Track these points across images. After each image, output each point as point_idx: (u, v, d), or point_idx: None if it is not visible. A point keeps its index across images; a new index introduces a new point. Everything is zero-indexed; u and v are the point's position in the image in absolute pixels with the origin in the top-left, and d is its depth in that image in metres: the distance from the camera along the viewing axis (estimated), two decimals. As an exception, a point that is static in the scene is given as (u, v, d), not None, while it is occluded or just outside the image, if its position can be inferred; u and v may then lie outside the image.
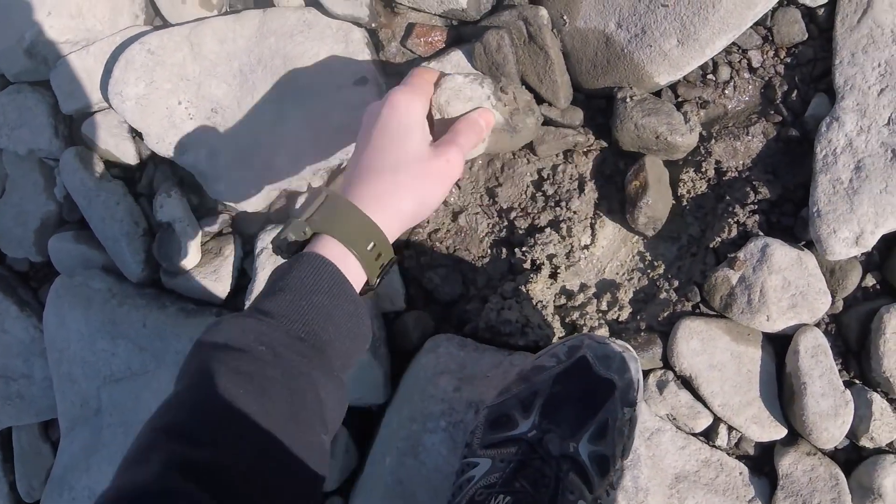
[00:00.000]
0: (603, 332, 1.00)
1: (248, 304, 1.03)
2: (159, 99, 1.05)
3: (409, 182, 0.76)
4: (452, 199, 1.06)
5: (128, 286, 1.11)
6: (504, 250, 1.05)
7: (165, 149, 1.07)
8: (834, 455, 0.97)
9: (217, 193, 1.08)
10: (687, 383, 0.98)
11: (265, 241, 1.04)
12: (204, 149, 1.06)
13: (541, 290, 1.01)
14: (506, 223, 1.06)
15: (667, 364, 0.99)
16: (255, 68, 1.04)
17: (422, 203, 0.78)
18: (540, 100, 1.02)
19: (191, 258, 1.07)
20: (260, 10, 1.05)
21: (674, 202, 1.02)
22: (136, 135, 1.11)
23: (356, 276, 0.72)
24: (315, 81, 1.03)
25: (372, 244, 0.72)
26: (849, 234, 0.91)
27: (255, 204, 1.07)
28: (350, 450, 1.03)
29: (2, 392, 1.20)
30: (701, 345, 0.96)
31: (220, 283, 1.07)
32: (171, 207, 1.07)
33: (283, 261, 0.72)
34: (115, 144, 1.11)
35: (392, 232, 0.75)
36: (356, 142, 0.81)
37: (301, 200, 1.06)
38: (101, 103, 1.11)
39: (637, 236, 1.04)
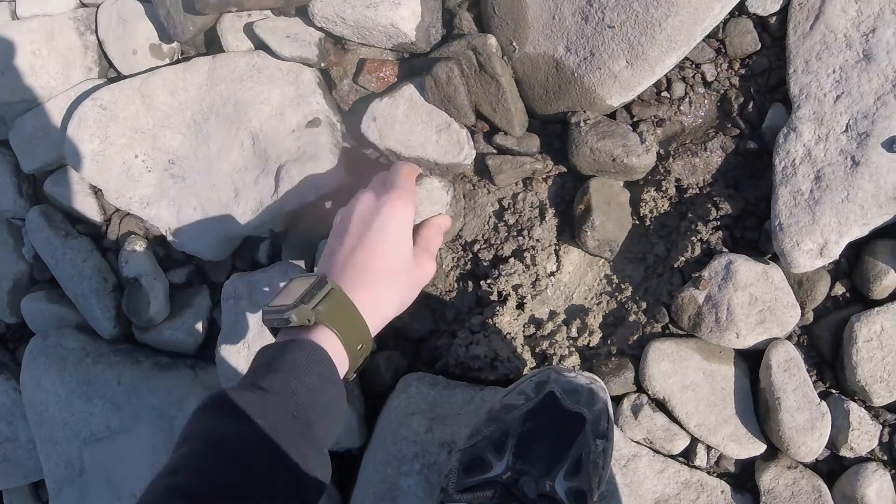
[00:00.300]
0: (573, 359, 1.00)
1: (218, 353, 1.03)
2: (115, 154, 1.05)
3: (399, 290, 0.84)
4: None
5: (101, 343, 1.12)
6: (470, 283, 1.05)
7: (126, 203, 1.07)
8: (815, 467, 0.97)
9: (181, 245, 1.08)
10: (661, 405, 0.97)
11: (230, 290, 1.04)
12: (164, 201, 1.07)
13: (508, 321, 1.01)
14: (470, 255, 1.05)
15: (640, 387, 0.98)
16: (208, 116, 1.04)
17: (401, 306, 0.85)
18: (495, 129, 1.02)
19: (160, 312, 1.08)
20: (209, 57, 1.05)
21: (635, 222, 1.01)
22: (97, 191, 1.11)
23: (342, 365, 0.77)
24: (268, 126, 1.03)
25: (362, 345, 0.78)
26: (812, 246, 0.90)
27: (218, 253, 1.08)
28: (333, 496, 1.03)
29: (-12, 456, 1.22)
30: (672, 366, 0.96)
31: (190, 335, 1.08)
32: (137, 262, 1.08)
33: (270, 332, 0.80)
34: (78, 201, 1.12)
35: (375, 331, 0.81)
36: (343, 228, 0.85)
37: (262, 251, 1.06)
38: (61, 160, 1.11)
39: (602, 259, 1.03)
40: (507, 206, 1.04)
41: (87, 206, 1.12)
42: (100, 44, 1.13)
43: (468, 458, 0.85)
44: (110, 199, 1.07)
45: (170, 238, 1.08)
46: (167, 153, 1.05)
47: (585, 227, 0.98)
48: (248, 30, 1.05)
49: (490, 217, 1.05)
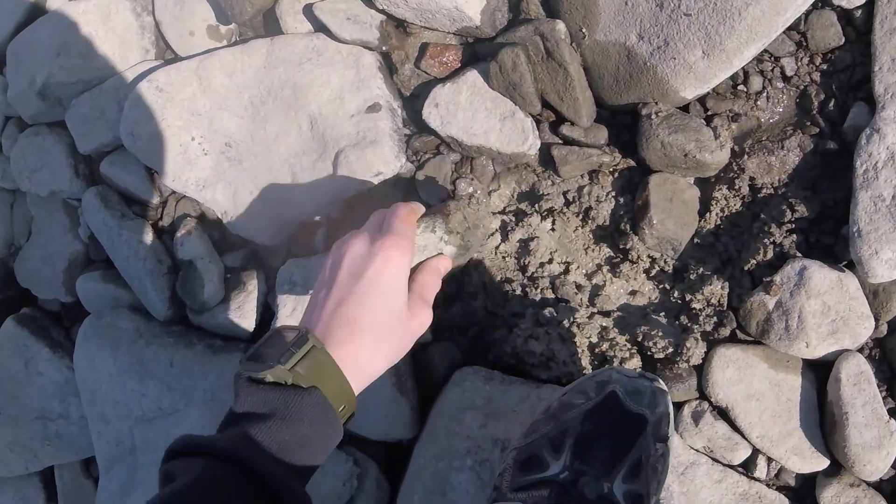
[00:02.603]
0: (634, 363, 0.99)
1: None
2: (172, 136, 1.07)
3: (389, 346, 0.79)
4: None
5: (155, 324, 1.15)
6: (533, 279, 1.05)
7: (182, 186, 1.09)
8: (879, 486, 0.95)
9: (236, 228, 1.10)
10: (724, 414, 0.96)
11: (285, 275, 1.06)
12: (221, 184, 1.08)
13: (571, 319, 1.01)
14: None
15: (702, 394, 0.98)
16: (266, 99, 1.05)
17: (390, 362, 0.81)
18: (562, 118, 1.01)
19: (214, 295, 1.10)
20: (267, 39, 1.05)
21: (702, 222, 1.00)
22: (153, 172, 1.14)
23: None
24: (327, 110, 1.04)
25: (344, 406, 0.75)
26: (892, 255, 0.88)
27: (274, 237, 1.09)
28: (382, 485, 1.05)
29: (41, 433, 1.26)
30: (737, 373, 0.95)
31: (245, 319, 1.10)
32: (192, 245, 1.10)
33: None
34: (134, 182, 1.14)
35: (359, 389, 0.78)
36: (333, 275, 0.81)
37: (319, 237, 1.07)
38: (117, 141, 1.13)
39: (670, 260, 1.02)
40: (571, 200, 1.03)
41: (143, 188, 1.14)
42: (157, 25, 1.15)
43: (524, 456, 0.85)
44: (166, 182, 1.09)
45: (225, 221, 1.10)
46: (224, 136, 1.07)
47: (643, 223, 0.97)
48: (308, 11, 1.05)
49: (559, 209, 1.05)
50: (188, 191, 1.09)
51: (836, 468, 0.95)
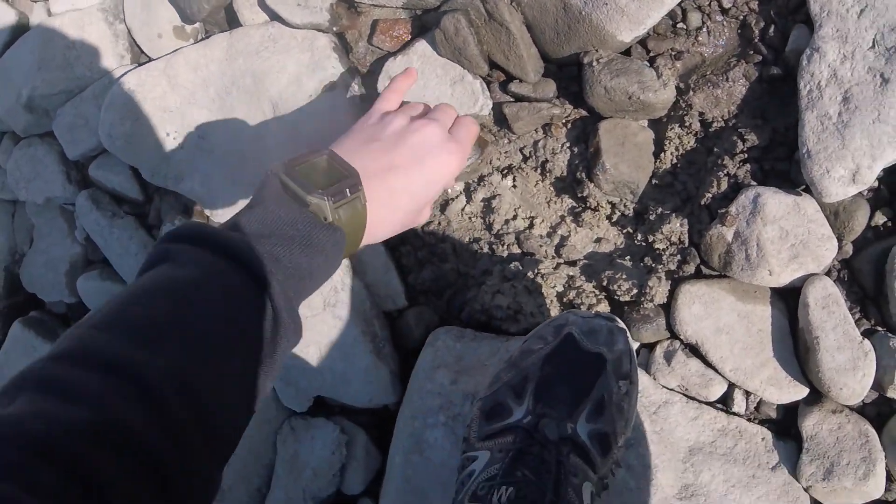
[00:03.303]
0: (602, 308, 1.00)
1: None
2: (147, 134, 1.13)
3: (397, 226, 0.84)
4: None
5: (152, 315, 1.20)
6: (499, 237, 1.07)
7: (162, 180, 1.15)
8: (863, 410, 0.93)
9: (217, 215, 1.15)
10: (695, 351, 0.97)
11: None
12: (197, 174, 1.13)
13: (536, 271, 1.03)
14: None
15: (673, 333, 0.98)
16: (230, 90, 1.10)
17: (385, 237, 0.84)
18: (510, 77, 1.03)
19: (204, 281, 1.15)
20: (227, 33, 1.11)
21: (658, 163, 1.01)
22: (135, 170, 1.20)
23: None
24: (286, 93, 1.08)
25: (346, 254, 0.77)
26: (844, 172, 0.87)
27: None
28: (371, 451, 1.08)
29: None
30: (704, 309, 0.95)
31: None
32: (177, 236, 1.16)
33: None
34: (120, 182, 1.20)
35: (363, 244, 0.81)
36: (394, 136, 0.83)
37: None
38: (102, 145, 1.19)
39: (630, 204, 1.03)
40: (528, 155, 1.06)
41: (129, 187, 1.21)
42: (128, 31, 1.21)
43: (489, 405, 0.87)
44: (146, 177, 1.15)
45: (205, 209, 1.15)
46: (196, 129, 1.12)
47: (597, 170, 0.99)
48: (262, 3, 1.09)
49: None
50: (168, 184, 1.15)
51: (817, 396, 0.94)
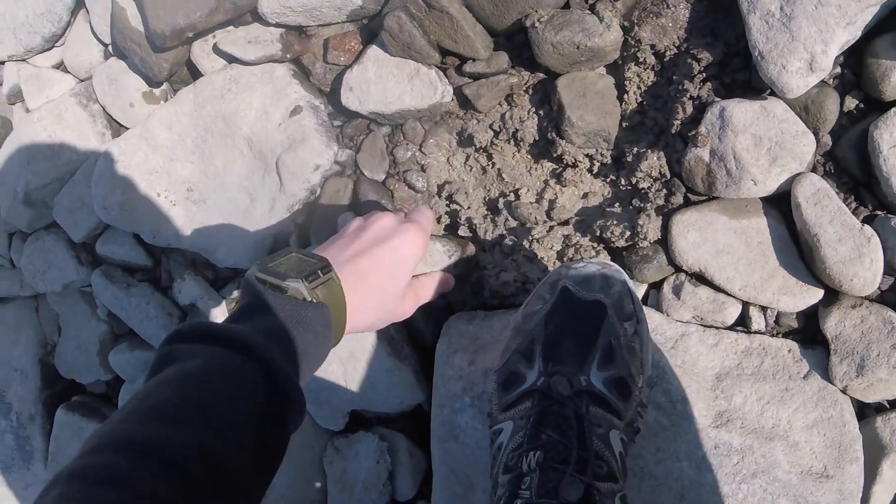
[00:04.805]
0: (602, 258, 1.05)
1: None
2: (139, 199, 1.20)
3: (379, 312, 0.91)
4: (421, 184, 1.16)
5: (183, 372, 1.28)
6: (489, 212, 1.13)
7: (163, 240, 1.22)
8: (882, 298, 0.94)
9: (221, 261, 1.21)
10: (701, 279, 0.99)
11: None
12: (195, 226, 1.20)
13: (530, 238, 1.07)
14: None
15: (676, 267, 1.01)
16: (206, 138, 1.17)
17: (367, 328, 0.92)
18: (463, 59, 1.09)
19: (222, 328, 1.23)
20: (191, 86, 1.18)
21: (624, 105, 1.05)
22: (139, 237, 1.29)
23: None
24: (257, 128, 1.15)
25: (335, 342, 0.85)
26: (800, 64, 0.89)
27: (255, 258, 1.19)
28: (414, 454, 1.12)
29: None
30: (699, 234, 0.98)
31: (256, 341, 1.22)
32: (189, 289, 1.23)
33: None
34: (127, 252, 1.28)
35: (347, 332, 0.87)
36: (356, 233, 0.92)
37: (293, 243, 1.19)
38: (102, 221, 1.29)
39: (606, 152, 1.08)
40: (498, 130, 1.11)
41: (135, 254, 1.28)
42: (103, 109, 1.30)
43: (503, 376, 0.90)
44: (149, 240, 1.22)
45: (211, 259, 1.23)
46: (183, 183, 1.19)
47: (564, 126, 1.02)
48: (217, 49, 1.17)
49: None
50: (171, 243, 1.22)
51: (833, 295, 0.95)
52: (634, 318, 0.90)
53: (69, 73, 1.34)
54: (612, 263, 0.93)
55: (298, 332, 0.77)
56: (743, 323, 1.00)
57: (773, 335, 0.99)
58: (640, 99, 1.04)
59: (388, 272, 0.90)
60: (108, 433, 0.63)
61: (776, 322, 0.99)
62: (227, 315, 1.13)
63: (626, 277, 0.93)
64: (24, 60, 1.36)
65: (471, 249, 1.09)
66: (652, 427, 0.95)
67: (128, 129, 1.28)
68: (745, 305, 0.99)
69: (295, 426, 0.76)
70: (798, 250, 0.97)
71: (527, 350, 0.90)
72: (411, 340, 1.14)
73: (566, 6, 1.04)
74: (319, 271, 0.81)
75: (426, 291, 1.00)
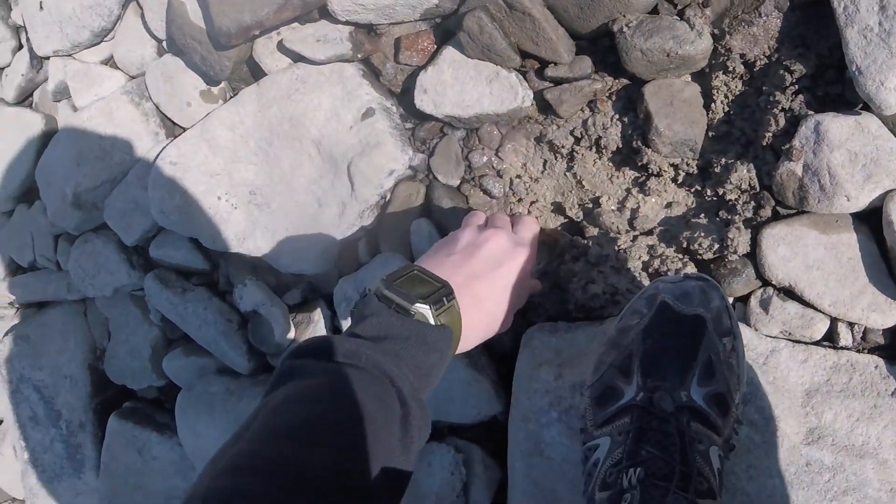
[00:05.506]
0: (688, 270, 1.09)
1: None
2: (199, 202, 1.26)
3: (485, 333, 0.98)
4: (498, 190, 1.20)
5: (242, 380, 1.33)
6: (572, 221, 1.18)
7: (223, 244, 1.27)
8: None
9: (286, 267, 1.27)
10: (790, 293, 1.05)
11: (340, 295, 1.22)
12: (258, 231, 1.26)
13: (616, 248, 1.12)
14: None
15: (764, 281, 1.06)
16: (271, 140, 1.22)
17: (476, 344, 0.98)
18: (544, 62, 1.13)
19: (286, 334, 1.27)
20: (254, 85, 1.23)
21: (711, 115, 1.09)
22: (197, 241, 1.32)
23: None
24: (326, 131, 1.20)
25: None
26: (898, 81, 0.95)
27: (322, 265, 1.26)
28: (489, 465, 1.19)
29: (172, 513, 1.47)
30: (790, 249, 1.03)
31: (319, 349, 1.26)
32: (251, 295, 1.28)
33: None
34: (183, 256, 1.34)
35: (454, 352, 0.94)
36: (469, 252, 0.99)
37: (361, 249, 1.22)
38: (157, 224, 1.33)
39: (692, 161, 1.12)
40: (580, 136, 1.15)
41: (192, 259, 1.34)
42: (157, 107, 1.34)
43: (598, 391, 0.95)
44: (208, 245, 1.28)
45: (274, 264, 1.27)
46: (246, 186, 1.25)
47: (651, 134, 1.08)
48: (282, 47, 1.21)
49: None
50: (231, 247, 1.27)
51: (921, 311, 1.01)
52: (732, 334, 0.95)
53: (119, 69, 1.37)
54: (709, 278, 0.99)
55: (424, 351, 0.84)
56: (830, 338, 1.06)
57: (858, 351, 1.04)
58: (726, 108, 1.09)
59: (500, 297, 0.98)
60: (238, 454, 0.68)
61: (863, 338, 1.04)
62: (317, 329, 1.19)
63: (724, 292, 0.98)
64: (70, 56, 1.40)
65: (563, 245, 1.16)
66: (744, 443, 1.01)
67: (183, 128, 1.32)
68: (834, 321, 1.04)
69: (420, 447, 0.82)
70: (887, 267, 1.03)
71: (624, 365, 0.94)
72: (487, 350, 1.18)
73: (654, 11, 1.07)
74: (444, 298, 0.89)
75: (522, 303, 1.06)
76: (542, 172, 1.19)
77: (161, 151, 1.28)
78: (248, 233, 1.26)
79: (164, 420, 1.48)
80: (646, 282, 1.10)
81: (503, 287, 0.98)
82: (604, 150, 1.15)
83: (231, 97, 1.28)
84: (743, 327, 1.06)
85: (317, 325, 1.26)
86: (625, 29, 1.06)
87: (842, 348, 1.05)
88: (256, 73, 1.28)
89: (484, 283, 0.96)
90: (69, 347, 1.57)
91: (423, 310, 0.86)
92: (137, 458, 1.48)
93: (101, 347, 1.57)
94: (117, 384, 1.55)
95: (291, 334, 1.27)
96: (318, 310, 1.28)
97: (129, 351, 1.48)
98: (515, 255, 1.00)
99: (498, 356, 1.20)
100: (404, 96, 1.22)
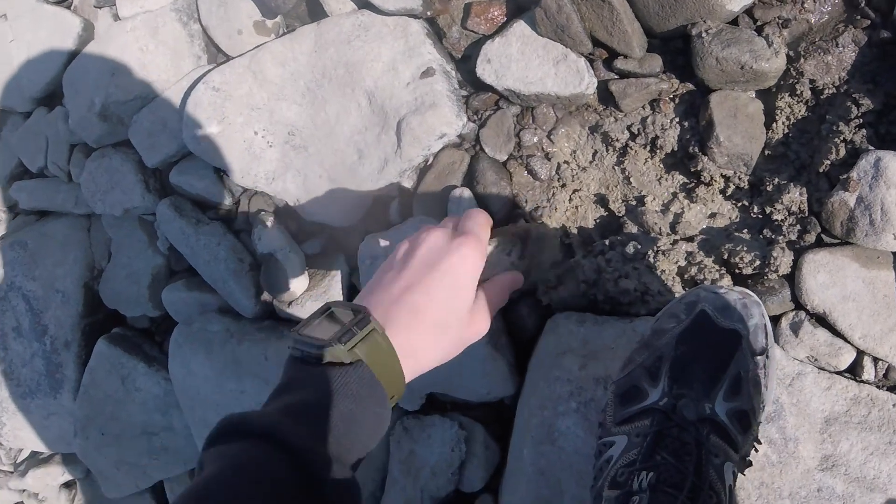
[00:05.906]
0: (725, 282, 1.13)
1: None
2: (235, 133, 1.27)
3: (445, 344, 0.90)
4: (544, 172, 1.21)
5: (244, 323, 1.35)
6: (613, 215, 1.21)
7: (252, 181, 1.29)
8: None
9: (311, 215, 1.29)
10: (822, 320, 1.10)
11: (365, 251, 1.23)
12: (290, 173, 1.28)
13: (655, 249, 1.16)
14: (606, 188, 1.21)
15: (798, 304, 1.11)
16: (321, 83, 1.24)
17: (441, 361, 0.91)
18: (614, 53, 1.16)
19: (300, 284, 1.29)
20: (314, 24, 1.24)
21: (770, 133, 1.14)
22: (222, 174, 1.33)
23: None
24: (382, 83, 1.22)
25: (393, 395, 0.83)
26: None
27: (350, 218, 1.28)
28: (490, 446, 1.22)
29: (147, 448, 1.47)
30: (829, 277, 1.08)
31: (332, 303, 1.27)
32: (270, 238, 1.28)
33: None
34: (205, 187, 1.35)
35: (410, 378, 0.87)
36: (405, 260, 0.91)
37: (393, 209, 1.24)
38: (182, 150, 1.34)
39: (744, 176, 1.15)
40: (636, 133, 1.19)
41: (214, 191, 1.35)
42: (204, 30, 1.35)
43: (623, 388, 0.97)
44: (235, 180, 1.29)
45: (299, 210, 1.29)
46: (286, 125, 1.26)
47: (711, 143, 1.13)
48: None
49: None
50: (259, 185, 1.29)
51: (945, 357, 1.07)
52: (765, 354, 0.98)
53: (171, -17, 1.35)
54: (752, 293, 1.02)
55: (337, 402, 0.76)
56: (853, 370, 1.10)
57: (878, 387, 1.09)
58: (786, 130, 1.13)
59: (444, 302, 0.89)
60: None
61: (885, 375, 1.09)
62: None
63: (765, 310, 1.01)
64: (119, -39, 1.37)
65: (535, 233, 1.09)
66: (758, 460, 1.05)
67: (227, 56, 1.32)
68: (860, 354, 1.08)
69: (348, 494, 0.74)
70: (921, 309, 1.06)
71: (653, 367, 0.96)
72: (509, 331, 1.19)
73: (734, 22, 1.11)
74: (354, 327, 0.81)
75: (496, 299, 0.99)
76: (591, 163, 1.22)
77: (204, 75, 1.29)
78: (278, 173, 1.27)
79: (153, 353, 1.48)
80: (679, 287, 1.14)
81: (446, 289, 0.88)
82: (658, 151, 1.18)
83: (284, 33, 1.29)
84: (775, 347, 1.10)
85: (334, 279, 1.28)
86: (703, 34, 1.10)
87: (863, 382, 1.10)
88: (315, 13, 1.30)
89: (419, 291, 0.87)
90: (67, 261, 1.57)
91: (333, 350, 0.77)
92: (120, 387, 1.48)
93: (100, 268, 1.57)
94: (109, 308, 1.55)
95: (305, 284, 1.28)
96: (337, 264, 1.29)
97: (128, 275, 1.48)
98: (452, 251, 0.90)
99: (517, 339, 1.23)
100: (463, 63, 1.25)
